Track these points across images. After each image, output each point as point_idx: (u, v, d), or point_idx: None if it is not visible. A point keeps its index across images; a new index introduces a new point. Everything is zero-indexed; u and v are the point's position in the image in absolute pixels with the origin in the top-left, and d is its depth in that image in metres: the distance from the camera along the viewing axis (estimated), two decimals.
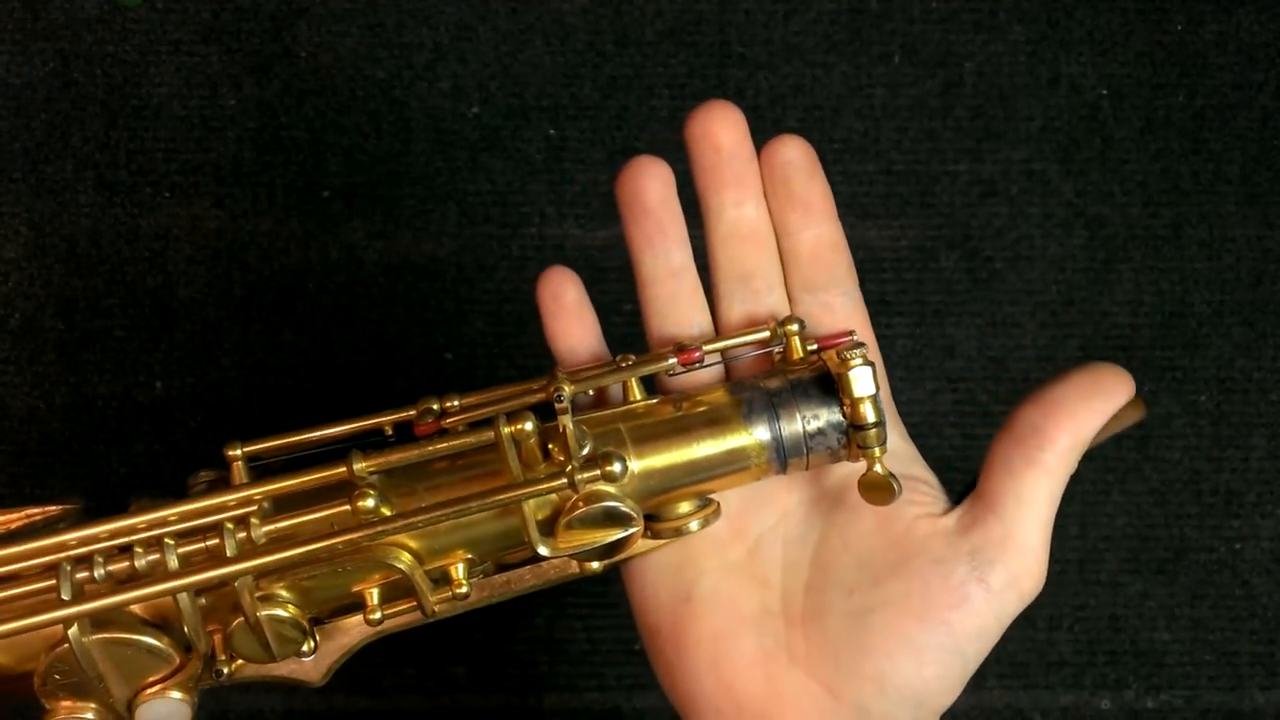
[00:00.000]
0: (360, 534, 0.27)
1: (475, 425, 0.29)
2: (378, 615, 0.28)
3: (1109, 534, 0.77)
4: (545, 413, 0.28)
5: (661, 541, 0.30)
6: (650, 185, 0.30)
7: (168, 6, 0.81)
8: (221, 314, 0.78)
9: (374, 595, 0.28)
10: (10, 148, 0.79)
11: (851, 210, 0.79)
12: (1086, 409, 0.28)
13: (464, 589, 0.28)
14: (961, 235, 0.79)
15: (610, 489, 0.28)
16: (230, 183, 0.79)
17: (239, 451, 0.29)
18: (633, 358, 0.30)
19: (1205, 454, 0.78)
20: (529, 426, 0.27)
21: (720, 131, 0.30)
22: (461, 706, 0.75)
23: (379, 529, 0.27)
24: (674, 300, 0.31)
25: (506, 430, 0.27)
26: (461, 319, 0.78)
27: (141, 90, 0.80)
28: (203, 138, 0.79)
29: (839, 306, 0.31)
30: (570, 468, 0.27)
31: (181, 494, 0.29)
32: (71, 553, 0.27)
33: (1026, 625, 0.75)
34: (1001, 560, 0.28)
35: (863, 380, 0.27)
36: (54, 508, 0.28)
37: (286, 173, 0.79)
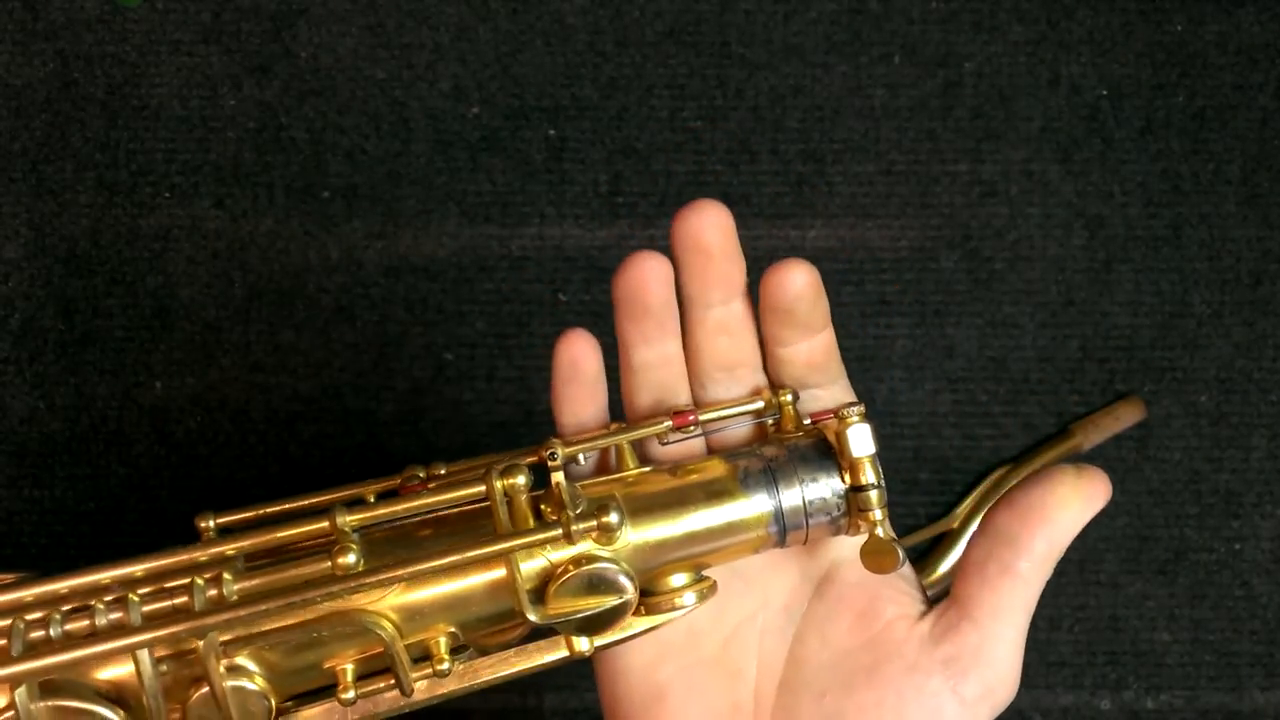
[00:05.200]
0: (339, 586, 0.25)
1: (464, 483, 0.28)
2: (351, 694, 0.26)
3: (1109, 534, 0.77)
4: (539, 482, 0.28)
5: (656, 621, 0.28)
6: (653, 286, 0.29)
7: (168, 6, 0.81)
8: (221, 314, 0.78)
9: (348, 673, 0.26)
10: (10, 148, 0.79)
11: (851, 210, 0.79)
12: (1064, 515, 0.27)
13: (445, 664, 0.27)
14: (961, 235, 0.79)
15: (605, 552, 0.27)
16: (230, 183, 0.79)
17: (211, 523, 0.27)
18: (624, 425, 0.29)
19: (1205, 454, 0.78)
20: (521, 480, 0.26)
21: (709, 235, 0.28)
22: (462, 706, 0.75)
23: (359, 581, 0.25)
24: (662, 385, 0.30)
25: (499, 484, 0.26)
26: (461, 319, 0.78)
27: (141, 90, 0.80)
28: (203, 138, 0.79)
29: (826, 398, 0.31)
30: (565, 517, 0.26)
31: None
32: (27, 612, 0.25)
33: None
34: (975, 670, 0.27)
35: (861, 438, 0.27)
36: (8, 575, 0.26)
37: (286, 173, 0.79)
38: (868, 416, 0.27)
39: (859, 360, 0.77)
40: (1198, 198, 0.80)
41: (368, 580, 0.25)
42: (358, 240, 0.79)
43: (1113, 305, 0.79)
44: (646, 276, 0.29)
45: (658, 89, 0.80)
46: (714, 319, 0.30)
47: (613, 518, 0.26)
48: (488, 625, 0.27)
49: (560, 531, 0.26)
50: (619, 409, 0.31)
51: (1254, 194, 0.80)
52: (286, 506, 0.28)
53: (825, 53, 0.81)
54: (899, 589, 0.30)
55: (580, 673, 0.75)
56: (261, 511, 0.28)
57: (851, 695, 0.28)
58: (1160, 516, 0.77)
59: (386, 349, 0.78)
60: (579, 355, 0.29)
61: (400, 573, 0.25)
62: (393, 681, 0.27)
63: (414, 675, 0.27)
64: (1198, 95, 0.81)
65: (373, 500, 0.28)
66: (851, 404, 0.28)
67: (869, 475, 0.27)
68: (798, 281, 0.28)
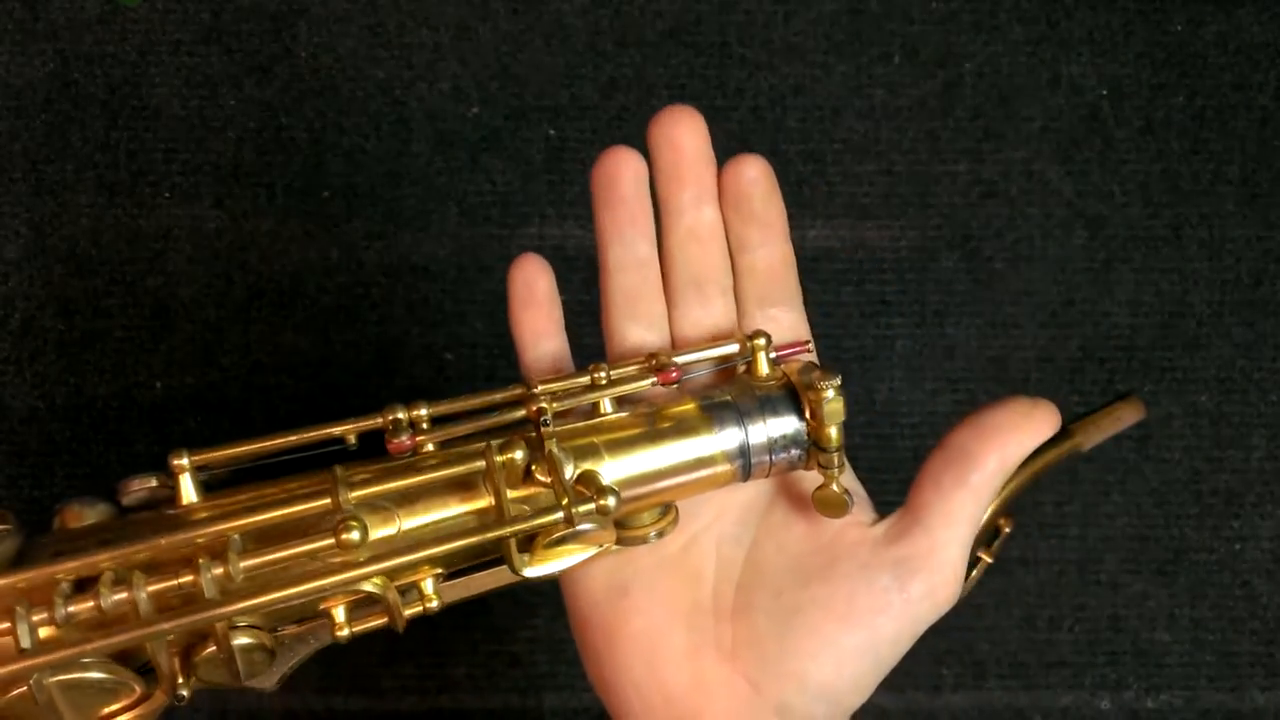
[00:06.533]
0: (348, 576, 0.25)
1: (455, 443, 0.28)
2: (346, 632, 0.27)
3: (1109, 534, 0.77)
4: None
5: (621, 549, 0.30)
6: (626, 175, 0.31)
7: (168, 6, 0.81)
8: (221, 314, 0.78)
9: (340, 612, 0.27)
10: (10, 148, 0.79)
11: (851, 210, 0.79)
12: (1016, 438, 0.29)
13: (435, 603, 0.28)
14: (961, 235, 0.79)
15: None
16: (230, 183, 0.79)
17: (185, 461, 0.27)
18: (605, 368, 0.30)
19: (1205, 454, 0.78)
20: (519, 456, 0.27)
21: (682, 134, 0.31)
22: (461, 706, 0.75)
23: (366, 570, 0.25)
24: (636, 293, 0.32)
25: (499, 459, 0.27)
26: (461, 319, 0.78)
27: (141, 90, 0.80)
28: (203, 138, 0.79)
29: (786, 321, 0.33)
30: (565, 501, 0.27)
31: (111, 496, 0.27)
32: (26, 597, 0.25)
33: (1026, 625, 0.75)
34: (924, 572, 0.29)
35: (834, 410, 0.29)
36: None
37: (286, 173, 0.79)
38: (842, 390, 0.29)
39: (859, 360, 0.77)
40: (1198, 198, 0.80)
41: (377, 567, 0.26)
42: (358, 240, 0.79)
43: (1113, 305, 0.79)
44: (620, 164, 0.30)
45: (658, 89, 0.80)
46: (685, 225, 0.31)
47: (610, 502, 0.27)
48: (470, 559, 0.29)
49: (562, 515, 0.27)
50: (587, 352, 0.32)
51: (1254, 194, 0.80)
52: (264, 445, 0.29)
53: (825, 53, 0.81)
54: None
55: (580, 673, 0.75)
56: (239, 449, 0.28)
57: (806, 590, 0.30)
58: (1160, 516, 0.77)
59: (386, 349, 0.78)
60: (531, 276, 0.31)
61: (409, 559, 0.26)
62: (385, 619, 0.28)
63: (406, 613, 0.28)
64: (1198, 95, 0.81)
65: (352, 442, 0.29)
66: (828, 373, 0.29)
67: (835, 441, 0.29)
68: (752, 168, 0.31)
